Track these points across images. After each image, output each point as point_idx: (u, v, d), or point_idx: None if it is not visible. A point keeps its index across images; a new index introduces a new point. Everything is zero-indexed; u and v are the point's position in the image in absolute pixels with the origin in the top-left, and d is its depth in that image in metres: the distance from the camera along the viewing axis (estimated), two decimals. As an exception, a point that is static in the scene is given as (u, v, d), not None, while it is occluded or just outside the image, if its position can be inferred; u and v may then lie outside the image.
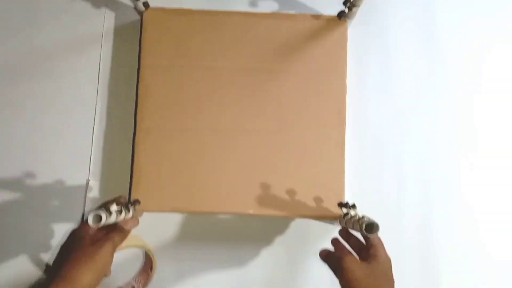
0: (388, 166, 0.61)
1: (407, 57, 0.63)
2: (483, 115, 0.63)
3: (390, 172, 0.61)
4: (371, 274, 0.45)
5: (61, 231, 0.59)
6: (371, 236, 0.46)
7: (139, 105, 0.58)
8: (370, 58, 0.63)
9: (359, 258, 0.47)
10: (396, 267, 0.57)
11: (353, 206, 0.48)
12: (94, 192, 0.60)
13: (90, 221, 0.46)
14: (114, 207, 0.48)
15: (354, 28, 0.61)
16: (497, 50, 0.64)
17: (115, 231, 0.50)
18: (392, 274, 0.48)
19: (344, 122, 0.57)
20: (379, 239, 0.49)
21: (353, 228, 0.50)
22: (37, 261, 0.59)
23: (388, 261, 0.48)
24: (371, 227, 0.45)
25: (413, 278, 0.59)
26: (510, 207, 0.62)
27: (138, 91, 0.58)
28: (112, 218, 0.49)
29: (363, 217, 0.48)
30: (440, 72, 0.64)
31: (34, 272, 0.59)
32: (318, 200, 0.56)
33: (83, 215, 0.60)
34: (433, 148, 0.62)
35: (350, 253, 0.47)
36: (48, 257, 0.59)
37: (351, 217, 0.50)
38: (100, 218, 0.46)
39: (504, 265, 0.60)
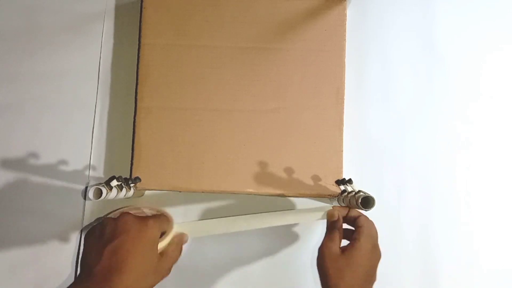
0: (388, 173, 0.60)
1: (405, 37, 0.63)
2: (486, 122, 0.62)
3: (389, 179, 0.60)
4: (344, 268, 0.41)
5: (60, 231, 0.59)
6: (367, 210, 0.46)
7: (139, 85, 0.58)
8: (369, 37, 0.63)
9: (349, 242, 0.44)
10: (396, 275, 0.57)
11: (350, 181, 0.48)
12: (98, 173, 0.61)
13: (91, 195, 0.47)
14: (114, 182, 0.49)
15: (352, 7, 0.61)
16: (498, 53, 0.63)
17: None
18: (373, 270, 0.43)
19: (343, 101, 0.57)
20: (367, 221, 0.44)
21: (350, 205, 0.50)
22: (36, 262, 0.59)
23: (371, 254, 0.43)
24: (367, 201, 0.45)
25: (412, 286, 0.59)
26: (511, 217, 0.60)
27: (138, 70, 0.58)
28: (113, 194, 0.50)
29: (359, 191, 0.48)
30: (440, 72, 0.63)
31: (33, 272, 0.59)
32: (316, 178, 0.56)
33: (83, 215, 0.60)
34: (433, 152, 0.61)
35: (333, 238, 0.44)
36: (47, 256, 0.59)
37: (348, 193, 0.51)
38: (100, 192, 0.47)
39: (504, 275, 0.59)
